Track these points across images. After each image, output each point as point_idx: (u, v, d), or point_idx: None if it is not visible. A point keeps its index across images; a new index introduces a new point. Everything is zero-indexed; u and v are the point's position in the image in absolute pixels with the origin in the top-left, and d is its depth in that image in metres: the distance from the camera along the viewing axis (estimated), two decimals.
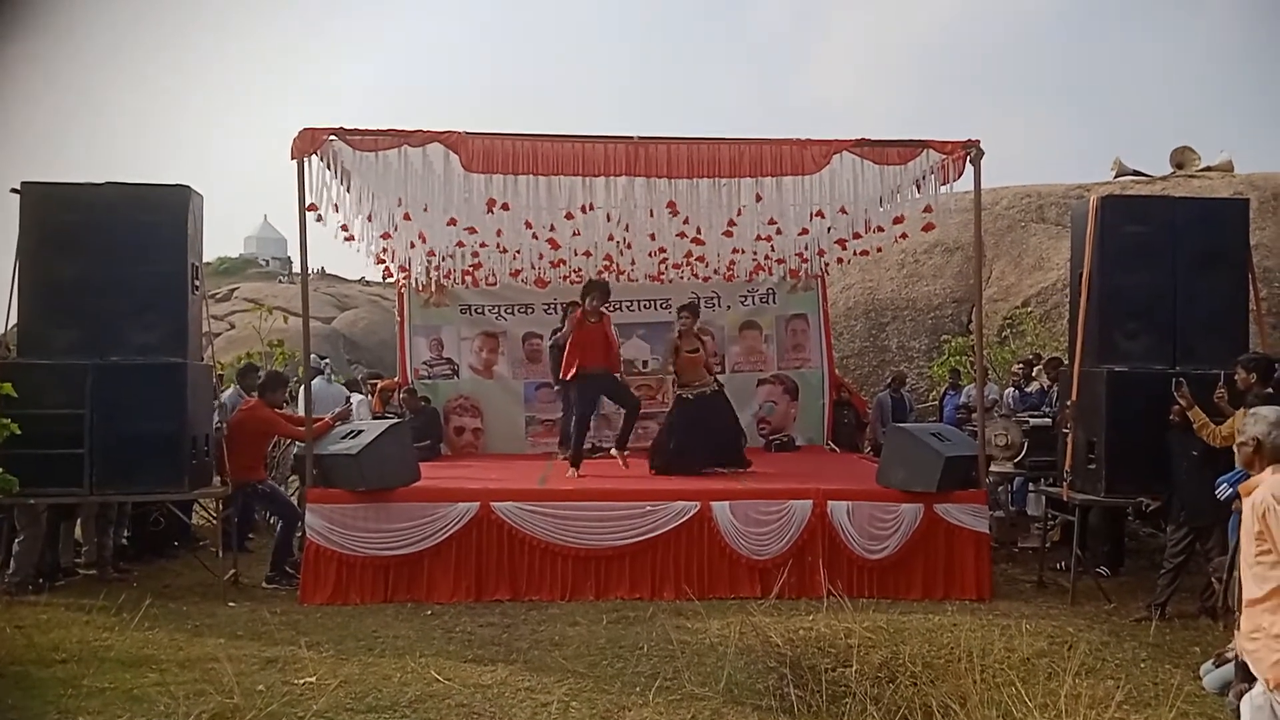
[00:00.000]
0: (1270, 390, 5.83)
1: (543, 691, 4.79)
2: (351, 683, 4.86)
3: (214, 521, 7.77)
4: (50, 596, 6.64)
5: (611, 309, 10.96)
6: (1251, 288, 7.07)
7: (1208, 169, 16.11)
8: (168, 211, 6.99)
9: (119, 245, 6.87)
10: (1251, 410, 3.64)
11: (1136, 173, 16.64)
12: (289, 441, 9.24)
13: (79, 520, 7.63)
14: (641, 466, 8.60)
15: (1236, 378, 6.20)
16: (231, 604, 6.66)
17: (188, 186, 7.11)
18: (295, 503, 7.93)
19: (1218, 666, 4.99)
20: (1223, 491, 5.75)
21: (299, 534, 7.39)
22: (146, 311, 6.90)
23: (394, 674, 5.02)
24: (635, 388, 11.17)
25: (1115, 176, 16.73)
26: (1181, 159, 16.53)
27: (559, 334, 10.03)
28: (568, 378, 8.65)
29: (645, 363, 11.58)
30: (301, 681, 4.87)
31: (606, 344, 8.65)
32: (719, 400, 8.99)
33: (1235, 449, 3.61)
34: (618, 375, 9.10)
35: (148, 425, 6.70)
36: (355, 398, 10.15)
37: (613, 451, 8.83)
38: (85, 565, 7.59)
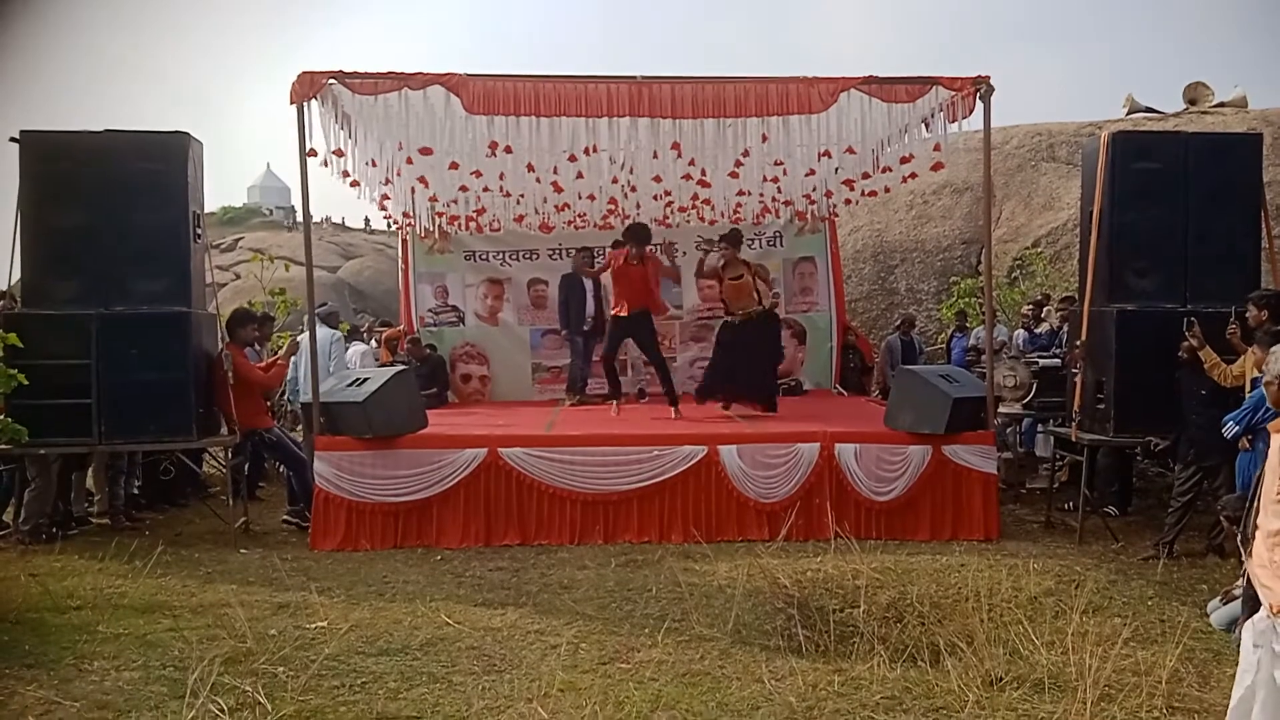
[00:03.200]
0: None
1: (552, 634, 4.83)
2: (363, 627, 4.91)
3: (224, 470, 7.80)
4: (64, 545, 6.70)
5: None
6: (1264, 225, 7.00)
7: (1221, 105, 15.85)
8: (167, 159, 6.95)
9: (119, 194, 6.84)
10: (1272, 349, 3.59)
11: (1149, 109, 16.37)
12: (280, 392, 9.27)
13: (90, 469, 7.69)
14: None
15: (1248, 315, 6.15)
16: (243, 551, 6.72)
17: (187, 133, 7.06)
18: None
19: (1224, 604, 5.01)
20: (1229, 430, 5.73)
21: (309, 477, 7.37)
22: (149, 260, 6.88)
23: (405, 618, 5.07)
24: None
25: (1127, 114, 16.47)
26: (1195, 95, 16.25)
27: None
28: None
29: None
30: (313, 626, 4.92)
31: (645, 288, 8.53)
32: (767, 326, 8.80)
33: (1264, 388, 3.58)
34: (652, 321, 8.85)
35: (154, 374, 6.74)
36: (360, 347, 10.11)
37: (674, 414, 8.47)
38: (98, 514, 7.67)
